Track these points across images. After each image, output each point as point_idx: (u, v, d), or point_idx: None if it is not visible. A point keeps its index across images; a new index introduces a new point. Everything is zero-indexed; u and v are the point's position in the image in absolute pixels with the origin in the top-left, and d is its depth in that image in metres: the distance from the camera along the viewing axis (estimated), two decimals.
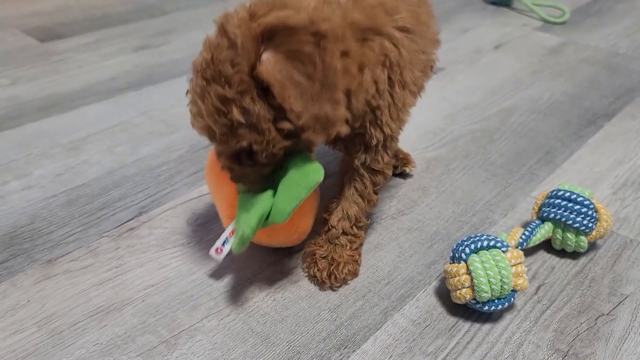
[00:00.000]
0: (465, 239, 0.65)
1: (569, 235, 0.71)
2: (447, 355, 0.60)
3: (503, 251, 0.62)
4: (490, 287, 0.61)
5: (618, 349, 0.61)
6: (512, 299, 0.63)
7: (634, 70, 1.27)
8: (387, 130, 0.62)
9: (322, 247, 0.69)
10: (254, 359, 0.59)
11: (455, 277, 0.63)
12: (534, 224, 0.71)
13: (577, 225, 0.69)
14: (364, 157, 0.64)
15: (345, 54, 0.53)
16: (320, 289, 0.67)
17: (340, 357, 0.60)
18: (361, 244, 0.71)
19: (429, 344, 0.61)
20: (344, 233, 0.68)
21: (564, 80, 1.22)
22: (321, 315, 0.64)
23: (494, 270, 0.61)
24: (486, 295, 0.61)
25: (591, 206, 0.70)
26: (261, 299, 0.66)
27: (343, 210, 0.68)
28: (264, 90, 0.50)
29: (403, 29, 0.59)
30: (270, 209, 0.58)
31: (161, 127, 1.01)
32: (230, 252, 0.61)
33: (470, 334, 0.63)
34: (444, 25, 1.51)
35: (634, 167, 0.92)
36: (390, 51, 0.57)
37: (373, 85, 0.57)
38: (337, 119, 0.52)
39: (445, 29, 1.49)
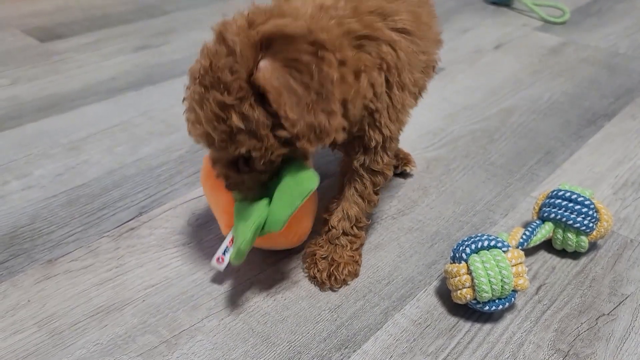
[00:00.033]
0: (465, 239, 0.65)
1: (569, 235, 0.71)
2: (447, 355, 0.60)
3: (504, 251, 0.62)
4: (491, 287, 0.61)
5: (619, 349, 0.61)
6: (512, 299, 0.63)
7: (634, 70, 1.27)
8: (386, 132, 0.62)
9: (323, 248, 0.69)
10: (254, 359, 0.59)
11: (455, 277, 0.63)
12: (535, 224, 0.71)
13: (578, 225, 0.69)
14: (363, 158, 0.64)
15: (342, 63, 0.53)
16: (320, 290, 0.67)
17: (341, 357, 0.60)
18: (362, 245, 0.71)
19: (429, 344, 0.61)
20: (344, 233, 0.68)
21: (564, 80, 1.22)
22: (322, 315, 0.64)
23: (495, 270, 0.61)
24: (487, 295, 0.61)
25: (592, 206, 0.70)
26: (262, 299, 0.66)
27: (343, 211, 0.68)
28: (262, 97, 0.51)
29: (401, 31, 0.59)
30: (266, 219, 0.58)
31: (161, 127, 1.01)
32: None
33: (471, 334, 0.63)
34: (444, 25, 1.51)
35: (634, 167, 0.92)
36: (387, 54, 0.57)
37: (370, 89, 0.57)
38: (332, 129, 0.52)
39: (445, 29, 1.48)
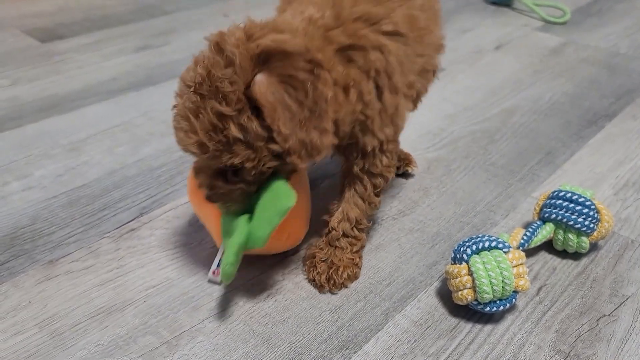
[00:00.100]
0: (466, 239, 0.65)
1: (570, 236, 0.71)
2: (448, 356, 0.60)
3: (504, 252, 0.62)
4: (492, 288, 0.61)
5: (619, 350, 0.61)
6: (513, 300, 0.63)
7: (634, 71, 1.27)
8: (380, 136, 0.62)
9: (323, 250, 0.69)
10: None
11: (456, 278, 0.63)
12: (536, 224, 0.71)
13: (579, 226, 0.69)
14: (361, 162, 0.64)
15: (335, 82, 0.54)
16: (319, 292, 0.67)
17: (342, 358, 0.60)
18: (362, 247, 0.71)
19: (430, 345, 0.61)
20: (345, 235, 0.68)
21: (565, 81, 1.22)
22: (322, 316, 0.64)
23: (496, 271, 0.61)
24: (488, 296, 0.61)
25: (592, 207, 0.70)
26: (262, 300, 0.66)
27: (344, 212, 0.68)
28: (257, 110, 0.51)
29: (392, 33, 0.59)
30: (248, 236, 0.59)
31: (162, 127, 1.01)
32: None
33: (471, 335, 0.63)
34: (444, 25, 1.50)
35: (635, 168, 0.92)
36: (375, 60, 0.57)
37: (359, 102, 0.58)
38: (323, 147, 0.53)
39: (445, 29, 1.48)
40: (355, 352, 0.60)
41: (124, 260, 0.72)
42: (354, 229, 0.68)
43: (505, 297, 0.62)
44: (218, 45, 0.52)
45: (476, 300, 0.62)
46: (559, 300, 0.67)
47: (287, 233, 0.67)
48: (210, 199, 0.58)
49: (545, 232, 0.71)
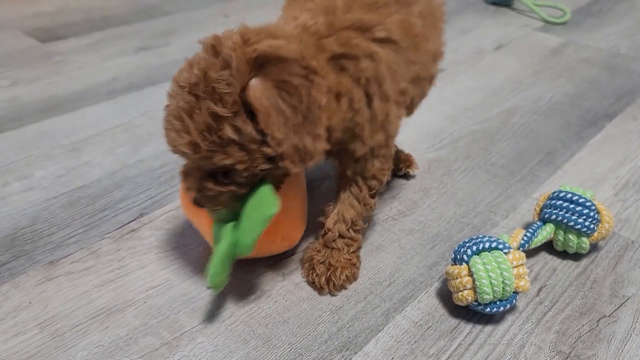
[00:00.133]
0: (466, 240, 0.65)
1: (570, 236, 0.71)
2: (449, 357, 0.60)
3: (505, 253, 0.63)
4: (492, 288, 0.61)
5: (620, 351, 0.61)
6: (514, 300, 0.63)
7: (635, 71, 1.27)
8: (370, 142, 0.62)
9: (320, 252, 0.69)
10: None
11: (457, 278, 0.63)
12: (536, 225, 0.71)
13: (579, 226, 0.69)
14: (354, 166, 0.65)
15: (328, 90, 0.54)
16: (319, 294, 0.67)
17: (342, 359, 0.60)
18: (359, 247, 0.71)
19: (430, 346, 0.61)
20: (341, 236, 0.68)
21: (565, 81, 1.22)
22: (323, 317, 0.64)
23: (496, 271, 0.61)
24: (488, 297, 0.61)
25: (593, 207, 0.70)
26: (263, 301, 0.66)
27: (339, 214, 0.68)
28: (251, 114, 0.51)
29: (384, 40, 0.59)
30: (234, 243, 0.59)
31: (162, 128, 1.01)
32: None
33: (472, 336, 0.63)
34: (445, 26, 1.51)
35: (635, 168, 0.92)
36: (366, 68, 0.57)
37: (350, 110, 0.58)
38: (316, 153, 0.53)
39: (445, 30, 1.48)
40: (355, 353, 0.60)
41: (124, 261, 0.72)
42: (350, 230, 0.68)
43: (505, 298, 0.62)
44: (214, 48, 0.52)
45: (476, 301, 0.62)
46: (559, 301, 0.67)
47: (281, 235, 0.67)
48: (197, 201, 0.58)
49: (546, 232, 0.71)
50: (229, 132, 0.51)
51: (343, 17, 0.58)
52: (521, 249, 0.68)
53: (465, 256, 0.63)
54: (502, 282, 0.61)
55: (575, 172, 0.91)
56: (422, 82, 0.68)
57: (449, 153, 0.96)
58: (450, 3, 1.67)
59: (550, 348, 0.61)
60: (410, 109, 0.70)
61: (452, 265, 0.65)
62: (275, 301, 0.66)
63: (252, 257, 0.69)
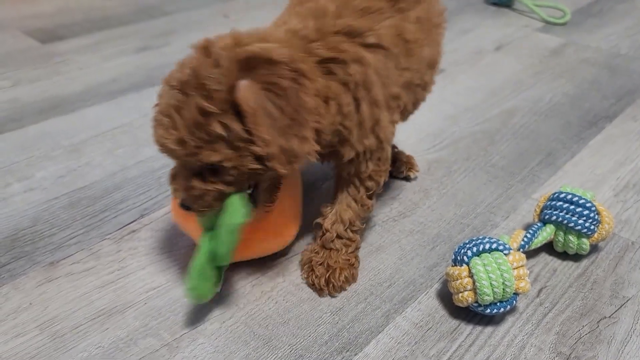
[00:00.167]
0: (467, 241, 0.65)
1: (570, 237, 0.71)
2: (449, 358, 0.60)
3: (505, 254, 0.63)
4: (493, 290, 0.61)
5: (620, 352, 0.61)
6: (514, 301, 0.63)
7: (635, 71, 1.27)
8: (359, 147, 0.62)
9: (318, 254, 0.69)
10: None
11: (457, 279, 0.63)
12: (536, 226, 0.71)
13: (579, 227, 0.69)
14: (348, 168, 0.65)
15: (317, 93, 0.55)
16: (319, 296, 0.67)
17: None
18: (357, 248, 0.71)
19: (431, 347, 0.61)
20: (339, 237, 0.68)
21: (565, 82, 1.22)
22: (323, 318, 0.64)
23: (496, 273, 0.61)
24: (488, 298, 0.61)
25: (593, 208, 0.70)
26: (263, 302, 0.66)
27: (337, 214, 0.68)
28: (240, 113, 0.51)
29: (374, 45, 0.59)
30: (206, 256, 0.59)
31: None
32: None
33: (472, 337, 0.63)
34: (444, 34, 1.51)
35: (636, 169, 0.92)
36: (354, 73, 0.58)
37: (338, 114, 0.58)
38: (303, 154, 0.54)
39: (446, 30, 1.48)
40: (355, 354, 0.60)
41: (124, 262, 0.72)
42: (348, 230, 0.68)
43: (505, 299, 0.62)
44: (206, 49, 0.53)
45: (477, 302, 0.62)
46: (559, 302, 0.67)
47: (273, 233, 0.67)
48: (184, 203, 0.58)
49: (546, 233, 0.71)
50: (217, 128, 0.51)
51: (333, 22, 0.58)
52: (521, 250, 0.68)
53: (465, 257, 0.63)
54: (503, 283, 0.61)
55: (576, 173, 0.91)
56: (415, 88, 0.68)
57: (449, 154, 0.96)
58: (450, 3, 1.67)
59: (551, 349, 0.61)
60: (403, 114, 0.69)
61: (452, 266, 0.65)
62: (276, 302, 0.66)
63: (248, 259, 0.69)
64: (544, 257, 0.74)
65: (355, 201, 0.67)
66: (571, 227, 0.70)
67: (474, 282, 0.61)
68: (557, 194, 0.73)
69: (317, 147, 0.56)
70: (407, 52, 0.63)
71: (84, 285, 0.68)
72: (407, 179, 0.88)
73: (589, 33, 1.49)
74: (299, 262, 0.72)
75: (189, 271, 0.60)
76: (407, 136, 0.98)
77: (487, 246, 0.63)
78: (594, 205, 0.71)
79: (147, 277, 0.69)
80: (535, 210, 0.75)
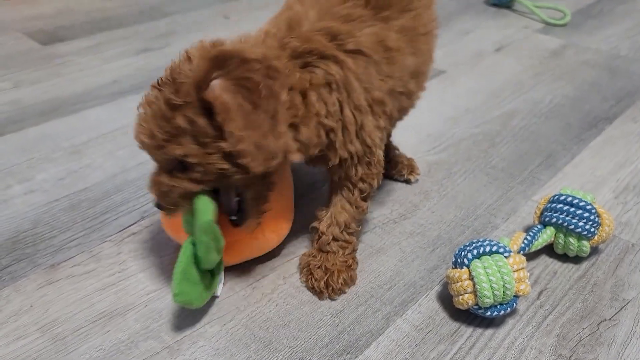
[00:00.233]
0: (467, 244, 0.65)
1: (571, 240, 0.71)
2: None
3: (505, 256, 0.63)
4: (493, 292, 0.61)
5: (620, 355, 0.61)
6: (514, 304, 0.63)
7: (635, 73, 1.27)
8: (343, 153, 0.62)
9: (316, 258, 0.69)
10: None
11: (457, 282, 0.63)
12: (536, 228, 0.72)
13: (579, 230, 0.70)
14: (338, 172, 0.65)
15: (292, 88, 0.55)
16: (319, 299, 0.67)
17: None
18: (355, 250, 0.71)
19: (431, 350, 0.61)
20: (335, 239, 0.68)
21: (565, 83, 1.22)
22: (324, 321, 0.64)
23: (497, 275, 0.61)
24: (489, 301, 0.61)
25: (593, 211, 0.70)
26: (264, 304, 0.66)
27: (332, 217, 0.68)
28: (209, 111, 0.52)
29: (354, 52, 0.60)
30: (188, 260, 0.60)
31: None
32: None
33: (472, 340, 0.63)
34: (445, 28, 1.51)
35: (636, 171, 0.93)
36: (335, 74, 0.58)
37: (323, 106, 0.58)
38: (278, 151, 0.54)
39: (446, 32, 1.49)
40: (356, 357, 0.60)
41: (125, 264, 0.72)
42: (344, 232, 0.68)
43: (506, 302, 0.62)
44: (187, 53, 0.55)
45: (477, 304, 0.62)
46: (559, 305, 0.67)
47: (261, 232, 0.67)
48: (159, 202, 0.59)
49: (546, 236, 0.71)
50: (181, 121, 0.52)
51: (312, 25, 0.59)
52: (521, 252, 0.68)
53: (465, 260, 0.63)
54: (503, 285, 0.61)
55: (576, 175, 0.92)
56: (399, 96, 0.66)
57: (450, 156, 0.96)
58: (450, 4, 1.68)
59: (551, 352, 0.61)
60: (390, 120, 0.68)
61: (452, 268, 0.65)
62: (276, 304, 0.66)
63: (244, 260, 0.70)
64: (544, 260, 0.74)
65: (350, 204, 0.67)
66: (571, 230, 0.70)
67: (474, 285, 0.61)
68: (557, 196, 0.73)
69: (297, 145, 0.56)
70: (389, 60, 0.63)
71: (85, 288, 0.68)
72: (408, 182, 0.88)
73: (589, 34, 1.49)
74: (297, 265, 0.72)
75: (172, 277, 0.60)
76: (407, 138, 0.98)
77: (488, 249, 0.63)
78: (594, 208, 0.71)
79: (148, 279, 0.69)
80: (535, 212, 0.76)
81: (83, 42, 1.37)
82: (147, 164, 0.91)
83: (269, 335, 0.63)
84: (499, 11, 1.65)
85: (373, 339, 0.62)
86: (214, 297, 0.67)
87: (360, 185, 0.66)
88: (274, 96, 0.52)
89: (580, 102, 1.15)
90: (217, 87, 0.51)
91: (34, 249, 0.74)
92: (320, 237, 0.69)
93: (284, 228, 0.71)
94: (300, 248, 0.74)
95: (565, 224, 0.70)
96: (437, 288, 0.69)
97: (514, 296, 0.62)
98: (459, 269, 0.63)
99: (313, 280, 0.67)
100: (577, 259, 0.74)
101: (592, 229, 0.70)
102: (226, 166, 0.54)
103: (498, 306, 0.62)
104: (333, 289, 0.67)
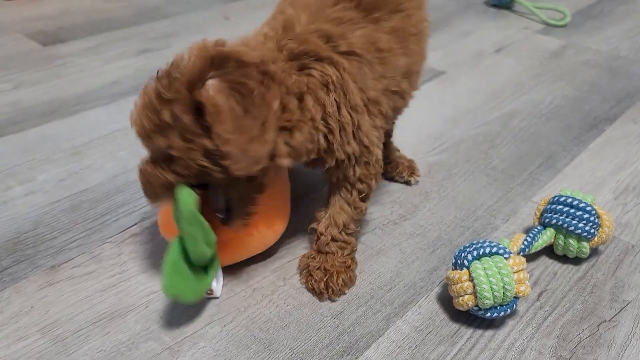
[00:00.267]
0: (467, 245, 0.65)
1: (571, 241, 0.71)
2: None
3: (505, 258, 0.63)
4: (493, 294, 0.61)
5: (620, 356, 0.61)
6: (514, 305, 0.63)
7: (635, 74, 1.27)
8: (340, 155, 0.62)
9: (315, 259, 0.69)
10: None
11: (457, 283, 0.63)
12: (536, 229, 0.72)
13: (579, 231, 0.70)
14: (336, 173, 0.65)
15: (288, 91, 0.56)
16: (319, 301, 0.67)
17: None
18: (353, 250, 0.71)
19: (431, 351, 0.62)
20: (334, 240, 0.68)
21: (565, 84, 1.22)
22: (324, 322, 0.65)
23: (497, 277, 0.61)
24: (488, 302, 0.61)
25: (593, 212, 0.70)
26: (264, 306, 0.66)
27: (331, 217, 0.68)
28: (199, 110, 0.52)
29: (348, 53, 0.60)
30: (177, 253, 0.61)
31: None
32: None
33: (472, 341, 0.63)
34: (445, 29, 1.52)
35: (636, 172, 0.93)
36: (331, 74, 0.58)
37: (319, 109, 0.59)
38: (262, 157, 0.54)
39: (446, 32, 1.49)
40: (356, 358, 0.61)
41: (126, 265, 0.72)
42: (342, 233, 0.68)
43: (506, 303, 0.62)
44: (189, 50, 0.55)
45: (477, 306, 0.62)
46: (559, 306, 0.67)
47: (255, 228, 0.67)
48: (140, 183, 0.60)
49: (546, 237, 0.71)
50: (165, 115, 0.53)
51: (306, 27, 0.60)
52: (521, 253, 0.68)
53: (465, 261, 0.63)
54: (503, 287, 0.61)
55: (576, 176, 0.92)
56: (393, 96, 0.67)
57: (450, 157, 0.96)
58: (450, 5, 1.68)
59: (551, 353, 0.61)
60: (386, 118, 0.68)
61: (452, 270, 0.65)
62: (277, 306, 0.67)
63: (244, 258, 0.70)
64: (544, 261, 0.74)
65: (348, 204, 0.68)
66: (571, 231, 0.70)
67: (474, 286, 0.61)
68: (557, 198, 0.73)
69: (283, 149, 0.57)
70: (381, 61, 0.63)
71: (85, 289, 0.68)
72: (408, 183, 0.88)
73: (589, 35, 1.49)
74: (297, 266, 0.72)
75: (162, 271, 0.60)
76: (407, 138, 0.98)
77: (488, 250, 0.63)
78: (594, 209, 0.71)
79: (149, 280, 0.70)
80: (535, 213, 0.76)
81: (83, 43, 1.37)
82: None
83: (269, 336, 0.63)
84: (499, 12, 1.65)
85: (373, 340, 0.63)
86: (213, 298, 0.67)
87: (359, 185, 0.66)
88: (266, 104, 0.53)
89: (580, 103, 1.15)
90: (212, 88, 0.52)
91: (34, 250, 0.74)
92: (319, 238, 0.69)
93: (279, 224, 0.70)
94: (301, 249, 0.75)
95: (565, 225, 0.70)
96: (437, 289, 0.69)
97: (514, 297, 0.62)
98: (459, 270, 0.63)
99: (313, 281, 0.67)
100: (577, 260, 0.74)
101: (592, 230, 0.70)
102: (207, 164, 0.55)
103: (498, 307, 0.62)
104: (333, 290, 0.67)
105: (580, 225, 0.70)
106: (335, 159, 0.63)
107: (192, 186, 0.58)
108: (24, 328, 0.63)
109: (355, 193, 0.67)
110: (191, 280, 0.61)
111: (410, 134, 1.00)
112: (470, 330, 0.64)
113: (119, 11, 1.58)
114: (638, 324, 0.65)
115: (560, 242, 0.72)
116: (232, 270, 0.70)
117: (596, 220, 0.70)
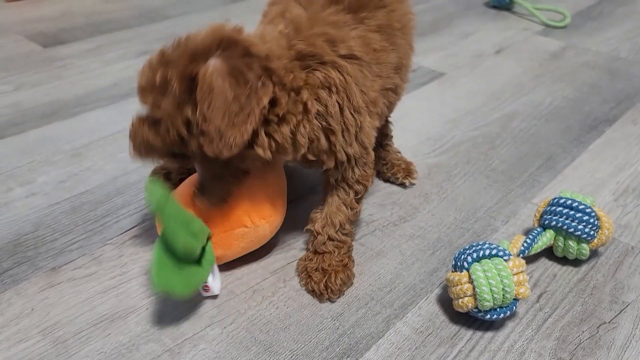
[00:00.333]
0: (467, 247, 0.65)
1: (570, 243, 0.71)
2: None
3: (505, 260, 0.63)
4: (493, 295, 0.61)
5: (620, 358, 0.61)
6: (514, 307, 0.63)
7: (635, 75, 1.27)
8: (341, 157, 0.63)
9: (312, 260, 0.69)
10: None
11: (457, 285, 0.63)
12: (536, 231, 0.72)
13: (579, 233, 0.70)
14: (335, 174, 0.66)
15: (282, 88, 0.56)
16: (319, 302, 0.68)
17: None
18: (349, 249, 0.71)
19: (431, 353, 0.62)
20: (330, 239, 0.69)
21: (565, 85, 1.22)
22: (324, 324, 0.65)
23: (496, 279, 0.61)
24: (488, 304, 0.61)
25: (593, 214, 0.71)
26: (264, 307, 0.67)
27: (327, 217, 0.69)
28: (193, 82, 0.54)
29: (348, 56, 0.61)
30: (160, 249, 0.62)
31: None
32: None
33: (472, 343, 0.63)
34: (445, 30, 1.52)
35: (636, 174, 0.93)
36: (335, 77, 0.59)
37: (315, 104, 0.59)
38: (233, 146, 0.54)
39: (446, 34, 1.49)
40: None
41: (126, 267, 0.72)
42: (339, 233, 0.69)
43: (505, 305, 0.62)
44: (207, 27, 0.57)
45: (477, 307, 0.62)
46: (559, 308, 0.67)
47: (248, 218, 0.67)
48: (129, 137, 0.61)
49: (546, 239, 0.71)
50: (160, 76, 0.55)
51: (309, 29, 0.61)
52: (521, 255, 0.68)
53: (465, 263, 0.63)
54: (503, 289, 0.61)
55: (576, 177, 0.92)
56: (387, 92, 0.69)
57: (449, 158, 0.96)
58: (450, 6, 1.68)
59: (551, 355, 0.62)
60: (380, 118, 0.70)
61: (452, 272, 0.65)
62: (277, 307, 0.67)
63: (243, 253, 0.70)
64: (544, 262, 0.74)
65: (345, 205, 0.69)
66: (571, 233, 0.70)
67: (474, 288, 0.61)
68: (556, 199, 0.73)
69: (268, 140, 0.57)
70: (377, 60, 0.65)
71: (86, 291, 0.68)
72: (403, 185, 0.88)
73: (588, 36, 1.49)
74: (295, 269, 0.72)
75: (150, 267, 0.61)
76: (407, 140, 0.98)
77: (487, 252, 0.63)
78: (594, 211, 0.71)
79: (149, 282, 0.70)
80: (535, 215, 0.76)
81: (84, 45, 1.37)
82: (148, 167, 0.91)
83: (270, 338, 0.63)
84: (499, 13, 1.65)
85: (373, 342, 0.63)
86: (212, 298, 0.67)
87: (356, 187, 0.68)
88: (256, 98, 0.54)
89: (580, 104, 1.15)
90: (212, 66, 0.53)
91: (35, 252, 0.74)
92: (315, 238, 0.69)
93: (274, 215, 0.70)
94: (302, 251, 0.75)
95: (565, 227, 0.70)
96: (437, 291, 0.69)
97: (514, 299, 0.62)
98: (458, 272, 0.64)
99: (312, 283, 0.68)
100: (576, 262, 0.74)
101: (592, 232, 0.70)
102: (185, 134, 0.56)
103: (498, 309, 0.62)
104: (332, 290, 0.67)
105: (580, 227, 0.70)
106: (336, 160, 0.63)
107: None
108: (25, 330, 0.63)
109: (352, 194, 0.68)
110: (179, 273, 0.61)
111: (410, 135, 1.00)
112: (470, 332, 0.64)
113: (120, 13, 1.58)
114: (638, 325, 0.65)
115: (560, 243, 0.72)
116: (232, 271, 0.71)
117: (596, 222, 0.70)
